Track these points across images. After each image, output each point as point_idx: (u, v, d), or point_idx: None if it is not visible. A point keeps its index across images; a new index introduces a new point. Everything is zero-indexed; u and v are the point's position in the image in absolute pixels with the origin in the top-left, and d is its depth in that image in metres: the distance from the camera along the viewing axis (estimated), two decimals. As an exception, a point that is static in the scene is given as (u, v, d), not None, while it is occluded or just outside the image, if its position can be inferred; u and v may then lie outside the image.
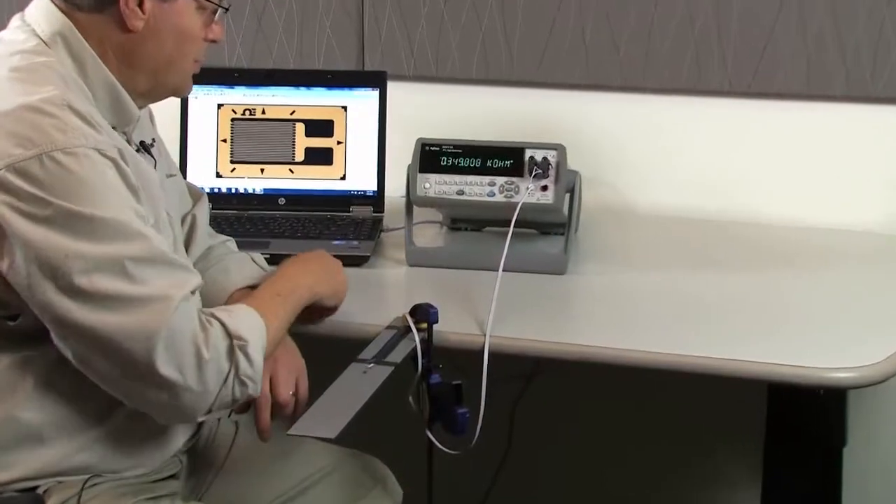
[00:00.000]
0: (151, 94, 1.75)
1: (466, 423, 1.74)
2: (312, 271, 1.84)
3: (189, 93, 1.81)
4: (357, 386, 1.69)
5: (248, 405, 1.80)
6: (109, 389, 1.62)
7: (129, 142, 1.72)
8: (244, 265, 1.93)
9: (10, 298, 1.59)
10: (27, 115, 1.56)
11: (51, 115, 1.56)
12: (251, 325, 1.64)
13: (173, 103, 1.90)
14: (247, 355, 1.61)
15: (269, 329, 1.67)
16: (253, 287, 1.83)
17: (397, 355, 1.78)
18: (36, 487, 1.67)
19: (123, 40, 1.67)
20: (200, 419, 1.68)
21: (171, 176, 1.90)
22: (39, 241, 1.53)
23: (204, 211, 1.99)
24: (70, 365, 1.62)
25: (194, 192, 2.01)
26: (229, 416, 1.86)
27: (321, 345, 1.82)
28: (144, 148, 1.78)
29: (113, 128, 1.67)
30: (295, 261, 1.85)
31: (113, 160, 1.58)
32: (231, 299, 1.82)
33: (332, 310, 1.88)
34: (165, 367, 1.55)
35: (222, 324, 1.61)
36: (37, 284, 1.54)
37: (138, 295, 1.54)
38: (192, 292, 1.61)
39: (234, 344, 1.60)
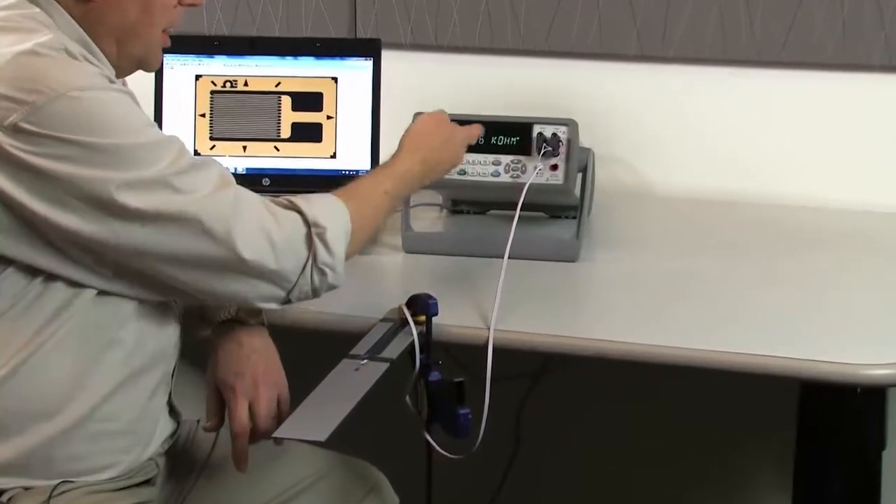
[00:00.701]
0: (116, 68, 1.75)
1: (469, 425, 1.74)
2: (428, 150, 1.94)
3: (157, 66, 1.82)
4: (349, 384, 1.68)
5: (222, 420, 1.80)
6: (191, 296, 1.71)
7: None
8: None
9: None
10: (28, 61, 1.61)
11: (51, 57, 1.62)
12: (332, 212, 1.73)
13: (147, 74, 1.90)
14: (325, 243, 1.69)
15: (355, 219, 1.75)
16: None
17: (393, 351, 1.77)
18: (1, 493, 1.68)
19: (83, 10, 1.70)
20: (275, 307, 1.73)
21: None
22: (84, 181, 1.59)
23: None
24: (37, 350, 1.65)
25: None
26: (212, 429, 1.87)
27: (309, 339, 1.82)
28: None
29: None
30: (412, 135, 1.95)
31: (120, 90, 1.66)
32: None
33: None
34: (248, 252, 1.64)
35: (299, 211, 1.70)
36: (99, 220, 1.61)
37: (194, 202, 1.63)
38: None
39: (312, 231, 1.69)
